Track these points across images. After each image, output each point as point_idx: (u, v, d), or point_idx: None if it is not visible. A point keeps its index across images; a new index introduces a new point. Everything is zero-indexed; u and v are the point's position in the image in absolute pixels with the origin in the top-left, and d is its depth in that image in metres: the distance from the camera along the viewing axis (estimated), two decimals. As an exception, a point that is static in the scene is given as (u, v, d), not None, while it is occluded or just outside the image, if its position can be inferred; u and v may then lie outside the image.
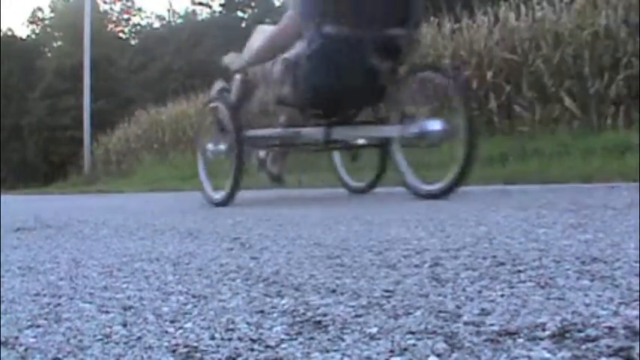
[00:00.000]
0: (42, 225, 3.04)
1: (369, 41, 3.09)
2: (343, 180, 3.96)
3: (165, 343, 0.85)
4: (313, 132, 3.42)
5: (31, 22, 37.82)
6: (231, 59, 3.72)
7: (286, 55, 3.27)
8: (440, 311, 0.90)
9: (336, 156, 3.96)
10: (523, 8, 7.57)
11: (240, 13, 34.46)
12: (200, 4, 35.27)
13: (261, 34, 3.49)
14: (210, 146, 3.76)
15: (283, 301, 1.04)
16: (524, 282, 1.05)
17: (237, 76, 3.60)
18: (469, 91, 3.19)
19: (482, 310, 0.89)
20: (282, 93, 3.34)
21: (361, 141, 3.56)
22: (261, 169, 4.02)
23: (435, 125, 3.03)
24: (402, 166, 3.19)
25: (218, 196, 3.65)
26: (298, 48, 3.23)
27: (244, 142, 3.47)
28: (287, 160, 4.12)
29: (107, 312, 1.06)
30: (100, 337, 0.90)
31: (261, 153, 3.95)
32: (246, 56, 3.57)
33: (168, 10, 52.70)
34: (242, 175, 3.46)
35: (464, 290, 1.03)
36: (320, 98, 3.30)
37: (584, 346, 0.70)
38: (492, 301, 0.94)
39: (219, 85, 3.87)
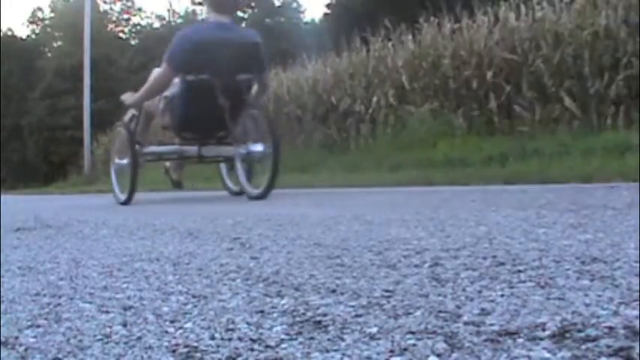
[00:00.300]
0: (42, 225, 3.05)
1: (218, 86, 4.14)
2: (226, 185, 4.92)
3: (165, 343, 0.85)
4: (190, 149, 4.56)
5: (31, 22, 37.83)
6: (126, 97, 4.66)
7: (166, 93, 4.40)
8: (440, 311, 0.90)
9: (222, 167, 4.96)
10: (523, 8, 7.57)
11: (240, 13, 34.46)
12: (200, 4, 35.25)
13: (155, 75, 4.53)
14: (117, 160, 4.82)
15: (283, 301, 1.04)
16: (524, 282, 1.05)
17: (132, 110, 4.69)
18: (278, 128, 4.41)
19: (482, 310, 0.89)
20: (164, 121, 4.55)
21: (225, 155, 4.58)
22: (166, 176, 5.21)
23: (258, 147, 4.04)
24: (241, 175, 4.24)
25: (122, 197, 4.60)
26: (172, 89, 4.35)
27: (138, 158, 4.48)
28: (184, 170, 5.30)
29: (107, 312, 1.06)
30: (100, 337, 0.90)
31: (167, 163, 5.10)
32: (137, 95, 4.56)
33: (168, 10, 52.71)
34: (137, 182, 4.47)
35: (464, 290, 1.03)
36: (187, 125, 4.48)
37: (584, 346, 0.70)
38: (492, 301, 0.94)
39: (130, 113, 4.75)
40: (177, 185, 5.16)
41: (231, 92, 4.14)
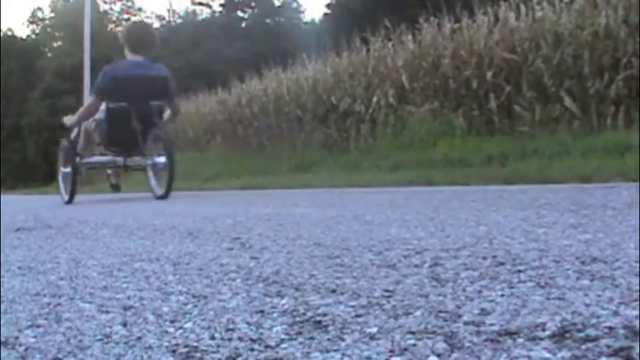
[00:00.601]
0: (42, 225, 3.05)
1: (133, 111, 5.25)
2: (152, 189, 5.53)
3: (166, 343, 0.85)
4: (118, 160, 5.68)
5: (31, 22, 37.84)
6: (67, 119, 5.72)
7: (96, 117, 5.50)
8: (440, 311, 0.90)
9: (150, 175, 5.58)
10: (523, 8, 7.57)
11: (240, 13, 34.47)
12: (200, 4, 35.29)
13: (87, 103, 5.73)
14: (62, 169, 5.89)
15: (283, 301, 1.04)
16: (524, 282, 1.05)
17: (75, 129, 5.75)
18: (172, 143, 5.36)
19: (482, 310, 0.89)
20: (96, 139, 5.63)
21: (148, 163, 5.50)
22: (108, 180, 6.63)
23: (161, 159, 5.14)
24: (151, 180, 5.38)
25: (66, 198, 5.67)
26: (100, 114, 5.44)
27: (78, 167, 5.62)
28: (122, 176, 6.55)
29: (107, 312, 1.06)
30: (100, 337, 0.90)
31: (108, 171, 6.38)
32: (74, 118, 5.64)
33: (168, 10, 52.75)
34: (76, 186, 5.61)
35: (464, 290, 1.03)
36: (112, 141, 5.55)
37: (584, 346, 0.70)
38: (492, 301, 0.94)
39: (75, 132, 5.78)
40: (116, 188, 6.48)
41: (144, 116, 5.25)
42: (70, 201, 5.56)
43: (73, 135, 5.72)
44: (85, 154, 5.68)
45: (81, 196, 6.05)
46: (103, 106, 5.37)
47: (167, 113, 5.58)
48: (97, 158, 5.76)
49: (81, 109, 5.65)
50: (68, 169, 5.65)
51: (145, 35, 5.54)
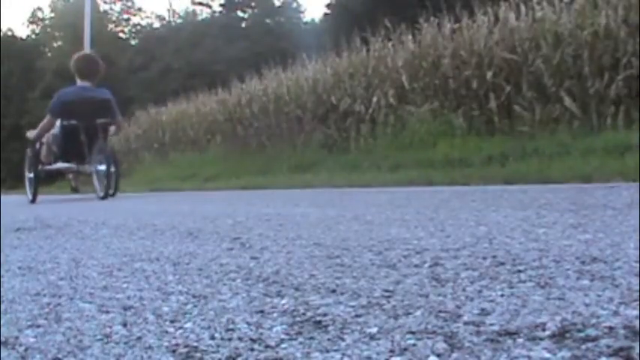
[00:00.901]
0: (42, 225, 3.05)
1: (81, 127, 6.32)
2: (96, 191, 6.32)
3: (166, 343, 0.85)
4: (72, 167, 6.65)
5: (31, 22, 37.83)
6: (30, 133, 6.76)
7: (52, 132, 6.52)
8: (440, 311, 0.90)
9: (95, 179, 6.42)
10: (523, 8, 7.56)
11: (240, 13, 34.47)
12: (200, 4, 35.29)
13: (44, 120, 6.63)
14: (27, 174, 6.73)
15: (283, 301, 1.04)
16: (524, 282, 1.05)
17: (38, 142, 6.69)
18: (114, 154, 6.54)
19: (482, 310, 0.89)
20: (53, 149, 6.56)
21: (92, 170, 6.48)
22: (69, 184, 7.73)
23: (102, 167, 6.14)
24: (95, 184, 6.27)
25: (30, 197, 6.54)
26: (55, 129, 6.48)
27: (39, 174, 6.62)
28: (80, 180, 7.47)
29: (107, 312, 1.06)
30: (100, 337, 0.90)
31: (70, 175, 7.37)
32: (35, 132, 6.66)
33: (168, 10, 52.78)
34: (37, 188, 6.58)
35: (464, 290, 1.03)
36: (65, 152, 6.50)
37: (584, 346, 0.70)
38: (492, 301, 0.94)
39: (38, 143, 6.71)
40: (75, 190, 7.50)
41: (90, 132, 6.34)
42: (33, 200, 6.48)
43: (37, 146, 6.69)
44: (47, 161, 6.69)
45: (44, 196, 7.16)
46: (58, 123, 6.43)
47: (112, 129, 6.67)
48: (57, 165, 6.69)
49: (40, 125, 6.68)
50: (31, 175, 6.62)
51: (91, 65, 6.69)
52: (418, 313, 0.90)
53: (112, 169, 6.16)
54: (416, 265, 1.28)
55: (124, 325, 0.96)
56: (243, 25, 33.49)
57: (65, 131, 6.35)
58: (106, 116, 6.43)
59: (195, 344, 0.83)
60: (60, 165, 6.62)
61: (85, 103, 6.34)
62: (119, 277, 1.41)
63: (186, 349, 0.81)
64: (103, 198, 6.01)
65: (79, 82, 6.55)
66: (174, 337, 0.87)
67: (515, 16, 7.61)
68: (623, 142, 5.09)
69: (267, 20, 33.30)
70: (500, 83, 7.40)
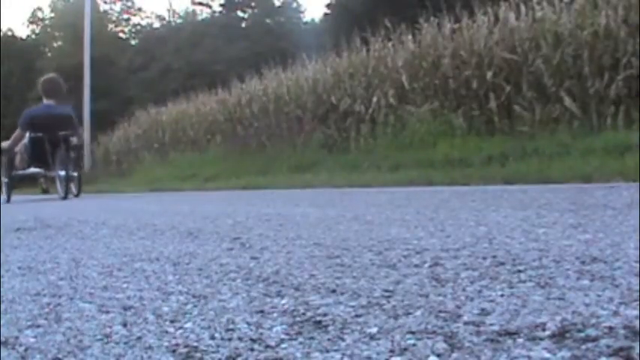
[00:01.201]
0: (42, 225, 3.05)
1: (47, 139, 7.36)
2: (58, 192, 7.48)
3: (166, 343, 0.85)
4: (41, 172, 7.68)
5: (31, 22, 37.81)
6: (5, 144, 7.66)
7: (23, 142, 7.53)
8: (440, 311, 0.90)
9: (57, 182, 7.54)
10: (523, 8, 7.56)
11: (240, 13, 34.46)
12: (200, 4, 35.27)
13: (16, 133, 7.71)
14: (2, 178, 7.70)
15: (283, 301, 1.04)
16: (524, 282, 1.05)
17: (11, 151, 7.72)
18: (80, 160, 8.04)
19: (482, 310, 0.89)
20: (25, 157, 7.57)
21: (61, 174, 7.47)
22: (40, 186, 8.57)
23: (62, 172, 7.27)
24: (58, 187, 7.44)
25: (5, 198, 7.47)
26: (25, 140, 7.50)
27: (13, 178, 7.66)
28: (49, 183, 8.33)
29: (107, 312, 1.06)
30: (100, 337, 0.90)
31: (41, 179, 8.30)
32: (7, 143, 7.66)
33: (168, 10, 52.76)
34: (12, 191, 7.58)
35: (464, 290, 1.03)
36: (33, 160, 7.52)
37: (584, 346, 0.70)
38: (492, 301, 0.94)
39: (12, 152, 7.69)
40: (45, 192, 8.42)
41: (54, 142, 7.36)
42: (8, 200, 7.39)
43: (11, 154, 7.73)
44: (21, 167, 7.71)
45: (18, 196, 8.35)
46: (27, 135, 7.49)
47: (74, 139, 7.67)
48: (29, 170, 7.75)
49: (12, 137, 7.72)
50: (6, 179, 7.66)
51: (54, 86, 7.81)
52: (418, 313, 0.90)
53: (75, 173, 7.59)
54: (416, 265, 1.28)
55: (124, 325, 0.96)
56: (243, 25, 33.47)
57: (33, 142, 7.46)
58: (67, 129, 7.51)
59: (195, 344, 0.83)
60: (32, 170, 7.73)
61: (49, 118, 7.46)
62: (119, 277, 1.41)
63: (186, 349, 0.81)
64: (64, 198, 7.15)
65: (45, 101, 7.71)
66: (174, 337, 0.87)
67: (515, 16, 7.61)
68: (623, 142, 5.09)
69: (267, 20, 33.29)
70: (500, 83, 7.40)
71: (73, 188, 7.70)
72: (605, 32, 6.50)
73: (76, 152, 7.88)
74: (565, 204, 2.35)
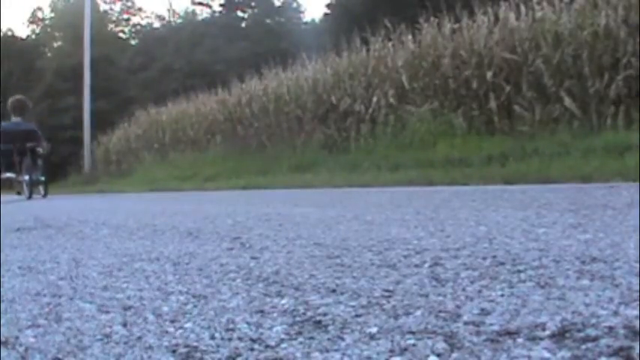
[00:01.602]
0: (42, 225, 3.05)
1: (15, 150, 8.83)
2: (25, 194, 8.96)
3: (166, 343, 0.85)
4: (12, 177, 9.06)
5: (31, 22, 37.80)
6: None
7: None
8: (440, 311, 0.90)
9: (24, 186, 9.06)
10: (523, 8, 7.56)
11: (240, 13, 34.44)
12: (200, 4, 35.25)
13: None
14: None
15: (283, 301, 1.04)
16: (524, 282, 1.05)
17: None
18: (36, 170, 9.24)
19: (482, 310, 0.89)
20: None
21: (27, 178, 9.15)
22: (15, 188, 9.73)
23: (26, 177, 8.97)
24: (24, 189, 9.02)
25: None
26: None
27: None
28: (20, 186, 9.56)
29: (107, 312, 1.06)
30: (100, 337, 0.90)
31: (16, 182, 9.52)
32: None
33: (168, 10, 52.76)
34: None
35: (464, 290, 1.03)
36: (5, 167, 8.89)
37: (584, 346, 0.70)
38: (492, 301, 0.94)
39: None
40: (19, 193, 9.46)
41: (21, 153, 8.84)
42: None
43: None
44: None
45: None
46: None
47: (39, 149, 9.14)
48: (5, 175, 9.15)
49: None
50: None
51: (21, 105, 9.30)
52: (418, 313, 0.90)
53: (42, 177, 9.42)
54: (416, 265, 1.28)
55: (124, 325, 0.96)
56: (243, 25, 33.45)
57: (3, 152, 8.94)
58: (33, 141, 9.12)
59: (195, 344, 0.83)
60: (8, 175, 9.25)
61: (17, 132, 9.00)
62: (119, 277, 1.41)
63: (186, 349, 0.81)
64: (29, 198, 8.74)
65: (13, 118, 9.21)
66: (174, 337, 0.87)
67: (515, 16, 7.61)
68: (623, 142, 5.09)
69: (267, 20, 33.27)
70: (500, 83, 7.40)
71: (42, 190, 9.57)
72: (605, 32, 6.50)
73: (42, 160, 9.51)
74: (565, 204, 2.35)
